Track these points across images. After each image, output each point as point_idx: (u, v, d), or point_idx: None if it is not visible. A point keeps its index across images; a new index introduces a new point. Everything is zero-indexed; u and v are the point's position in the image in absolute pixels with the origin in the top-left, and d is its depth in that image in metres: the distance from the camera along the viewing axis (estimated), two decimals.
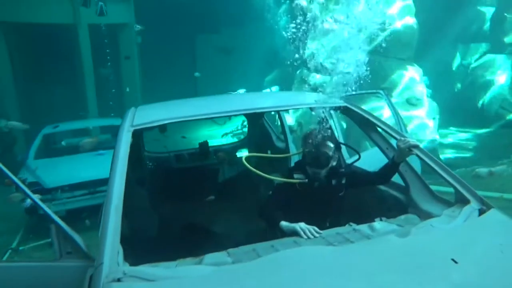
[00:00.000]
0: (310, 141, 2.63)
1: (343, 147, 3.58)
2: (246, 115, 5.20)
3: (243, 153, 5.49)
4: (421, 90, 9.75)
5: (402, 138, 2.57)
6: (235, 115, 2.79)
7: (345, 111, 3.02)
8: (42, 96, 12.59)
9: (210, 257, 1.86)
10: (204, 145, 5.33)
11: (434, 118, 9.38)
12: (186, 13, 15.66)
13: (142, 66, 14.56)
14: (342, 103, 2.89)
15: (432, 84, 11.78)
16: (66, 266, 1.82)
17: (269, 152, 4.90)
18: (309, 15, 10.37)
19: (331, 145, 2.64)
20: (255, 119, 5.19)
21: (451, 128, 12.10)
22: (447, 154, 10.12)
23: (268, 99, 3.07)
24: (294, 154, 2.89)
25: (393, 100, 9.52)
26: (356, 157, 2.91)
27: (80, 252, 1.88)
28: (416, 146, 2.52)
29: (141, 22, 13.96)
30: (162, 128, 6.52)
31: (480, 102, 12.76)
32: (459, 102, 12.87)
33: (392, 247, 1.91)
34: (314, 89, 9.80)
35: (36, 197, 2.02)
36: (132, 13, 13.73)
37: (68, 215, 5.77)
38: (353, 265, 1.76)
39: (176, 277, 1.68)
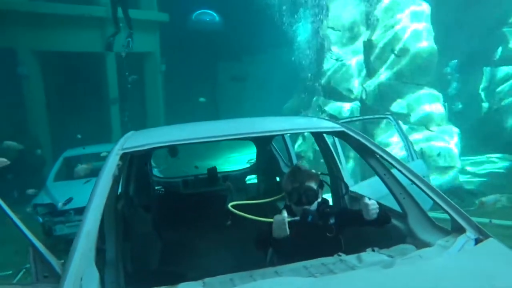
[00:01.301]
0: (292, 179, 2.53)
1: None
2: (254, 140, 5.21)
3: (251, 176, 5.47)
4: (441, 115, 9.52)
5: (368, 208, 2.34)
6: (226, 140, 2.72)
7: (342, 136, 2.92)
8: (71, 121, 13.10)
9: (183, 286, 1.83)
10: (212, 170, 5.33)
11: (456, 145, 9.10)
12: (209, 42, 16.14)
13: (166, 92, 14.98)
14: (339, 128, 2.81)
15: (456, 109, 11.49)
16: None
17: (277, 178, 4.88)
18: (326, 44, 10.50)
19: (316, 179, 2.55)
20: (263, 144, 5.16)
21: (477, 153, 11.68)
22: (471, 181, 9.74)
23: (264, 123, 3.01)
24: (280, 197, 2.79)
25: (414, 126, 9.40)
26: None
27: (56, 277, 1.85)
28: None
29: (166, 51, 14.47)
30: (173, 152, 6.60)
31: (508, 127, 12.30)
32: (486, 127, 12.45)
33: (373, 279, 1.82)
34: (331, 116, 9.79)
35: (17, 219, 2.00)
36: (158, 42, 14.28)
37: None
38: None
39: None
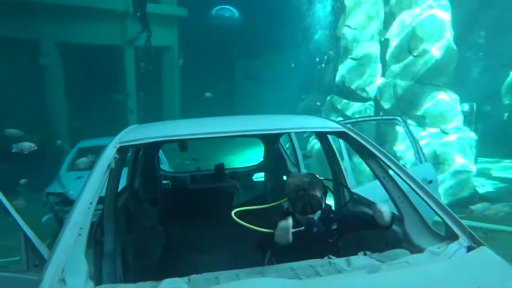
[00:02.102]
0: (296, 186, 2.50)
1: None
2: (261, 138, 5.21)
3: (259, 174, 5.46)
4: (457, 118, 9.30)
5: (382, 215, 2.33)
6: (224, 137, 2.70)
7: (343, 136, 2.89)
8: (89, 113, 13.38)
9: (167, 282, 1.83)
10: (219, 167, 5.33)
11: (470, 148, 8.87)
12: (227, 38, 16.20)
13: (182, 87, 15.11)
14: (339, 128, 2.77)
15: (476, 111, 11.22)
16: (31, 279, 1.77)
17: (284, 177, 4.88)
18: (342, 43, 10.38)
19: (320, 187, 2.53)
20: (271, 142, 5.16)
21: (497, 158, 11.41)
22: (488, 186, 9.53)
23: (262, 121, 2.99)
24: (284, 200, 2.76)
25: (429, 129, 9.23)
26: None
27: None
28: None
29: (184, 45, 14.59)
30: (182, 147, 6.66)
31: None
32: (507, 131, 12.13)
33: (354, 283, 1.81)
34: (344, 116, 9.68)
35: (11, 210, 2.02)
36: (176, 37, 14.40)
37: None
38: None
39: None
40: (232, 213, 2.38)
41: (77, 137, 10.46)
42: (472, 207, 5.74)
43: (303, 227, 2.40)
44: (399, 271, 1.89)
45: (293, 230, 2.33)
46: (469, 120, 10.89)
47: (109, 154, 2.30)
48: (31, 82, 12.08)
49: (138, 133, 2.61)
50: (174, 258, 3.92)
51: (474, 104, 11.32)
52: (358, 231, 2.68)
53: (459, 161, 8.64)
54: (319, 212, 2.47)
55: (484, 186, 9.45)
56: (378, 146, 2.86)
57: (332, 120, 3.05)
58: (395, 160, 2.77)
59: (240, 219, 2.32)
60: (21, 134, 7.92)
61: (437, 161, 8.67)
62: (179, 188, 5.12)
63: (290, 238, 2.20)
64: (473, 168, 8.71)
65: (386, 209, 2.33)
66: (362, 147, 2.80)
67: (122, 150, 2.53)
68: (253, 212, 2.52)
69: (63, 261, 1.73)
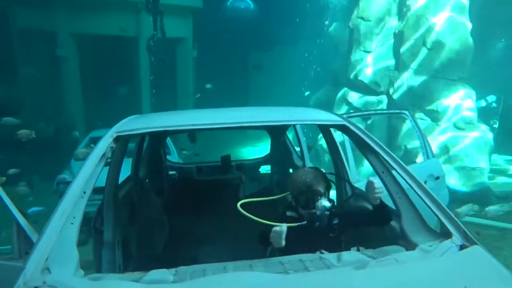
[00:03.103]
0: (300, 181, 2.51)
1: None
2: (268, 130, 5.21)
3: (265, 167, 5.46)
4: (471, 113, 9.07)
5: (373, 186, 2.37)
6: (221, 129, 2.68)
7: (343, 130, 2.84)
8: (103, 103, 13.57)
9: (153, 273, 1.83)
10: (226, 158, 5.34)
11: (485, 144, 8.65)
12: (242, 30, 16.14)
13: (196, 78, 15.16)
14: (340, 121, 2.74)
15: (494, 107, 10.91)
16: (17, 266, 1.74)
17: (290, 170, 4.86)
18: (355, 35, 10.17)
19: (323, 182, 2.53)
20: (277, 135, 5.14)
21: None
22: (501, 184, 9.27)
23: (260, 114, 2.97)
24: (287, 194, 2.77)
25: (442, 124, 9.04)
26: None
27: None
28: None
29: (198, 37, 14.61)
30: (192, 138, 6.66)
31: None
32: None
33: (340, 279, 1.80)
34: (356, 109, 9.55)
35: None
36: (191, 28, 14.43)
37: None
38: None
39: None
40: (238, 204, 2.40)
41: (93, 126, 10.65)
42: (458, 209, 5.61)
43: (305, 222, 2.43)
44: (386, 269, 1.87)
45: (295, 224, 2.38)
46: (494, 112, 10.64)
47: (105, 143, 2.28)
48: (48, 73, 12.31)
49: (136, 123, 2.59)
50: (177, 249, 3.93)
51: (502, 97, 11.01)
52: (358, 227, 2.67)
53: (472, 157, 8.45)
54: (322, 207, 2.46)
55: (500, 185, 9.18)
56: (378, 141, 2.83)
57: (333, 113, 3.02)
58: (395, 156, 2.73)
59: (246, 211, 2.34)
60: (19, 122, 8.08)
61: (449, 157, 8.51)
62: (185, 179, 5.15)
63: (283, 242, 2.20)
64: (486, 165, 8.50)
65: (377, 182, 2.35)
66: (362, 141, 2.76)
67: (120, 140, 2.54)
68: (259, 204, 2.55)
69: (48, 249, 1.73)
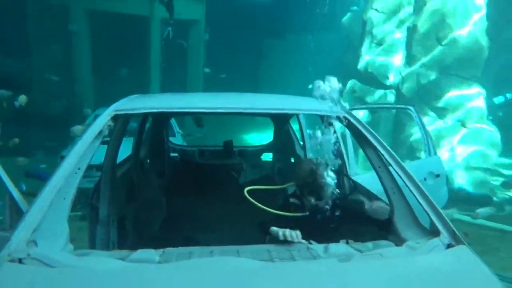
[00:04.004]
0: (306, 171, 2.53)
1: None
2: (271, 118, 5.19)
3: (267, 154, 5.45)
4: (481, 113, 8.93)
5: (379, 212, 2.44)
6: (220, 113, 2.67)
7: (343, 122, 2.83)
8: (113, 80, 13.61)
9: (140, 252, 1.84)
10: (228, 144, 5.35)
11: (492, 144, 8.54)
12: (255, 16, 15.98)
13: (207, 61, 15.10)
14: (341, 113, 2.69)
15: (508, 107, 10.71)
16: (4, 236, 1.75)
17: (292, 159, 4.87)
18: (368, 27, 9.97)
19: (330, 174, 2.53)
20: (281, 123, 5.13)
21: None
22: None
23: (260, 101, 2.95)
24: (292, 184, 2.80)
25: (449, 122, 8.92)
26: None
27: None
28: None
29: (210, 20, 14.50)
30: (198, 123, 6.64)
31: None
32: None
33: (323, 270, 1.81)
34: (364, 102, 9.43)
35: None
36: (204, 11, 14.33)
37: None
38: (270, 282, 1.70)
39: (77, 266, 1.65)
40: (245, 190, 2.45)
41: (102, 104, 10.66)
42: (478, 210, 5.57)
43: (307, 213, 2.46)
44: (369, 263, 1.87)
45: (299, 214, 2.42)
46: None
47: (102, 121, 2.26)
48: (60, 49, 12.35)
49: (135, 103, 2.57)
50: (173, 231, 3.94)
51: None
52: (356, 221, 2.67)
53: (478, 156, 8.37)
54: (326, 198, 2.48)
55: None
56: (377, 135, 2.81)
57: (333, 104, 2.99)
58: (392, 152, 2.71)
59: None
60: (10, 94, 8.20)
61: (455, 155, 8.43)
62: (186, 162, 5.17)
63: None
64: (491, 165, 8.40)
65: (383, 206, 2.42)
66: (361, 134, 2.75)
67: (120, 119, 2.54)
68: (261, 191, 2.57)
69: (35, 222, 1.74)
